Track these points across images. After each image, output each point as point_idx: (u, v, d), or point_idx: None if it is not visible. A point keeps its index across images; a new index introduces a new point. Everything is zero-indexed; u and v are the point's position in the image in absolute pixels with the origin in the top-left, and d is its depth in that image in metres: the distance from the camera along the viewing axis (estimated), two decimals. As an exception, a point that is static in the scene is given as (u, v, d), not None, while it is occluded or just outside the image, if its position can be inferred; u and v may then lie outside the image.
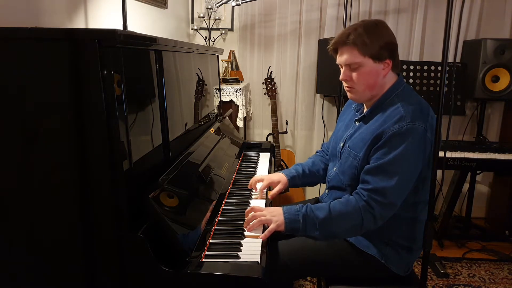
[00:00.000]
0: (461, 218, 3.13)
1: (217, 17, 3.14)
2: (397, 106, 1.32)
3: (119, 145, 0.99)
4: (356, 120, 1.48)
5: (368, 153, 1.34)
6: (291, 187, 1.70)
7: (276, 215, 1.33)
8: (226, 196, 1.59)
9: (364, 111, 1.45)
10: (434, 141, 1.34)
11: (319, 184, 1.88)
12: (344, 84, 1.41)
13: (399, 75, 1.42)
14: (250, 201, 1.57)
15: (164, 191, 1.13)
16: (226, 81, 2.91)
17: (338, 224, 1.33)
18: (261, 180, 1.66)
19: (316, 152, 1.81)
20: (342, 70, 1.39)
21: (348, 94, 1.43)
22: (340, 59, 1.37)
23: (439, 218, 2.92)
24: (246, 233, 1.29)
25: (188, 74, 1.68)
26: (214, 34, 3.23)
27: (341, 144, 1.49)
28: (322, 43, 3.02)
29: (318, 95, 3.28)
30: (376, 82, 1.35)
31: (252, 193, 1.65)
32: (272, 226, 1.30)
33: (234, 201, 1.57)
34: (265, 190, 1.66)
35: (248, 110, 3.18)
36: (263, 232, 1.28)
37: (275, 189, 1.61)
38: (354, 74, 1.35)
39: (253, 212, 1.36)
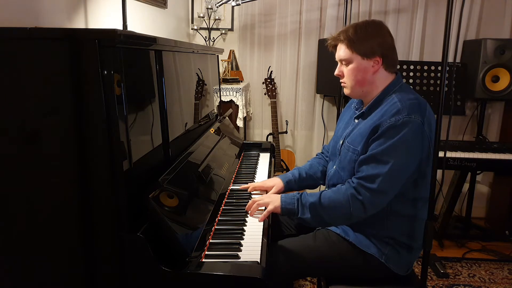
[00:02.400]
0: (461, 218, 3.13)
1: (217, 17, 3.14)
2: (394, 101, 1.36)
3: (119, 145, 0.99)
4: (355, 118, 1.51)
5: (366, 146, 1.36)
6: (288, 191, 1.68)
7: (273, 198, 1.44)
8: (226, 196, 1.60)
9: (364, 109, 1.46)
10: (434, 141, 1.36)
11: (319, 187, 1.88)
12: (340, 79, 1.49)
13: (397, 74, 1.45)
14: (249, 201, 1.57)
15: (164, 191, 1.13)
16: (226, 81, 2.91)
17: (327, 210, 1.37)
18: (258, 188, 1.67)
19: (316, 155, 1.82)
20: (337, 66, 1.47)
21: (344, 90, 1.49)
22: (336, 55, 1.46)
23: (439, 218, 2.92)
24: (247, 219, 1.40)
25: (188, 74, 1.68)
26: (214, 34, 3.23)
27: (341, 142, 1.51)
28: (322, 43, 3.02)
29: (318, 95, 3.28)
30: (364, 79, 1.40)
31: (252, 193, 1.66)
32: (270, 207, 1.41)
33: (234, 201, 1.57)
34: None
35: (248, 110, 3.18)
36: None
37: (270, 192, 1.61)
38: (345, 70, 1.43)
39: (251, 201, 1.46)
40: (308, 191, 1.56)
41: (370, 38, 1.37)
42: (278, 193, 1.63)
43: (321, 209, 1.38)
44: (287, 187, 1.68)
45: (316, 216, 1.38)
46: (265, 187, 1.66)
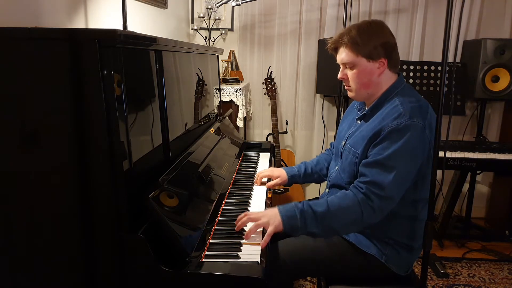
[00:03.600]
0: (461, 218, 3.13)
1: (217, 17, 3.14)
2: (396, 104, 1.34)
3: (119, 145, 0.99)
4: (357, 119, 1.50)
5: (367, 150, 1.35)
6: (292, 183, 1.79)
7: (272, 216, 1.29)
8: (226, 196, 1.60)
9: (366, 110, 1.46)
10: (434, 141, 1.35)
11: (319, 184, 1.91)
12: (344, 83, 1.46)
13: (399, 74, 1.44)
14: (250, 201, 1.57)
15: (164, 191, 1.13)
16: (226, 81, 2.91)
17: (337, 218, 1.31)
18: (265, 175, 1.78)
19: (325, 151, 1.85)
20: (340, 69, 1.44)
21: (348, 93, 1.47)
22: (338, 58, 1.43)
23: (439, 218, 2.92)
24: (243, 241, 1.22)
25: (188, 74, 1.68)
26: (214, 34, 3.23)
27: (343, 143, 1.51)
28: (322, 43, 3.02)
29: (318, 95, 3.28)
30: (370, 81, 1.38)
31: (252, 192, 1.66)
32: (270, 229, 1.26)
33: (234, 201, 1.57)
34: (265, 180, 1.78)
35: (248, 110, 3.18)
36: (262, 237, 1.23)
37: (272, 182, 1.74)
38: (349, 73, 1.40)
39: (247, 217, 1.30)
40: (310, 190, 1.56)
41: (374, 39, 1.34)
42: (282, 183, 1.74)
43: (331, 217, 1.30)
44: (291, 181, 1.76)
45: (325, 226, 1.30)
46: (270, 175, 1.76)
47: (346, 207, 1.31)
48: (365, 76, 1.37)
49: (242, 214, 1.32)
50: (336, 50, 1.43)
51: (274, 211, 1.31)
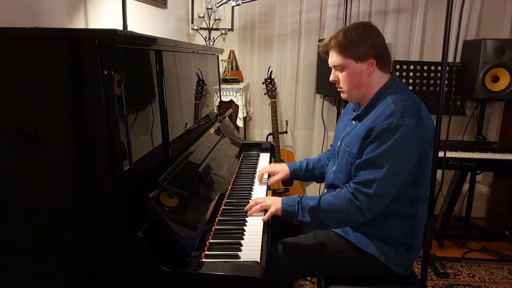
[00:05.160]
0: (461, 218, 3.13)
1: (217, 17, 3.14)
2: (389, 103, 1.35)
3: (119, 145, 0.99)
4: (352, 119, 1.51)
5: (361, 149, 1.36)
6: (294, 179, 1.81)
7: (275, 201, 1.44)
8: (226, 196, 1.60)
9: (360, 110, 1.47)
10: (433, 141, 1.35)
11: (319, 185, 1.91)
12: (336, 85, 1.48)
13: (392, 74, 1.44)
14: (250, 201, 1.56)
15: (164, 191, 1.13)
16: (226, 81, 2.91)
17: (326, 214, 1.38)
18: (267, 171, 1.80)
19: (327, 151, 1.86)
20: (332, 72, 1.47)
21: (341, 95, 1.49)
22: (329, 61, 1.45)
23: (439, 218, 2.92)
24: (247, 219, 1.41)
25: (188, 74, 1.68)
26: (214, 34, 3.23)
27: (339, 143, 1.51)
28: (322, 43, 3.02)
29: (318, 95, 3.29)
30: (361, 82, 1.40)
31: (252, 192, 1.66)
32: (271, 209, 1.41)
33: (234, 201, 1.57)
34: (266, 176, 1.80)
35: (248, 110, 3.18)
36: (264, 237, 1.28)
37: (275, 177, 1.76)
38: (340, 75, 1.42)
39: (254, 201, 1.46)
40: (310, 191, 1.57)
41: (361, 41, 1.36)
42: (283, 178, 1.76)
43: (320, 213, 1.38)
44: (293, 175, 1.77)
45: (315, 219, 1.38)
46: (272, 171, 1.79)
47: (335, 204, 1.36)
48: (355, 77, 1.39)
49: (252, 201, 1.47)
50: (327, 53, 1.45)
51: (278, 198, 1.45)
